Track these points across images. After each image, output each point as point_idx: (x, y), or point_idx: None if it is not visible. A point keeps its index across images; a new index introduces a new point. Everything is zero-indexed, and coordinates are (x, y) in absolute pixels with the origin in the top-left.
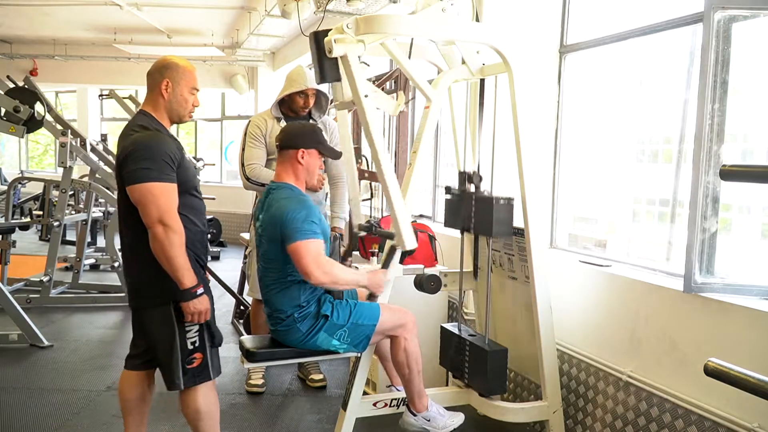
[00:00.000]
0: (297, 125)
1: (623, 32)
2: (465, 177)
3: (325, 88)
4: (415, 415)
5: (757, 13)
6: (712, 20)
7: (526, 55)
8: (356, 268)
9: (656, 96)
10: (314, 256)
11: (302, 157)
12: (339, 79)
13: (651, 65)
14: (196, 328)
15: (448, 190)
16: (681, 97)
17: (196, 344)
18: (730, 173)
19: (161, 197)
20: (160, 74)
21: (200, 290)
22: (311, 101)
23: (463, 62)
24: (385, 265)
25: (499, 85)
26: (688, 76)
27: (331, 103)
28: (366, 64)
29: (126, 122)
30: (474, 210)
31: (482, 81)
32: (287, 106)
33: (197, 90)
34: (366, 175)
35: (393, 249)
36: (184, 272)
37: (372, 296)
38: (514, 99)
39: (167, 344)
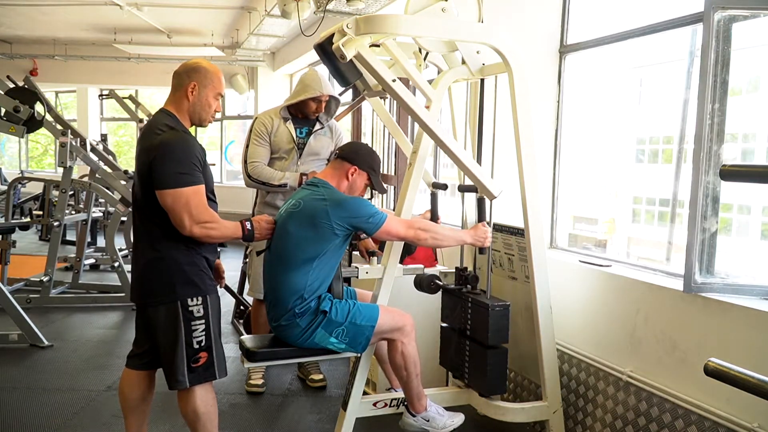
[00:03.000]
0: (364, 145)
1: (623, 32)
2: (462, 276)
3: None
4: (414, 415)
5: (757, 13)
6: (712, 20)
7: (526, 55)
8: (356, 267)
9: (656, 96)
10: (402, 224)
11: (352, 174)
12: (361, 76)
13: (651, 65)
14: (203, 327)
15: (445, 288)
16: (681, 97)
17: (202, 343)
18: (730, 173)
19: (192, 201)
20: (187, 76)
21: (248, 228)
22: (323, 106)
23: (463, 62)
24: (481, 217)
25: (499, 85)
26: (688, 76)
27: (338, 99)
28: (376, 45)
29: (126, 122)
30: (470, 314)
31: (482, 81)
32: (296, 107)
33: (222, 95)
34: None
35: (482, 200)
36: (234, 235)
37: (481, 251)
38: (514, 99)
39: (171, 342)
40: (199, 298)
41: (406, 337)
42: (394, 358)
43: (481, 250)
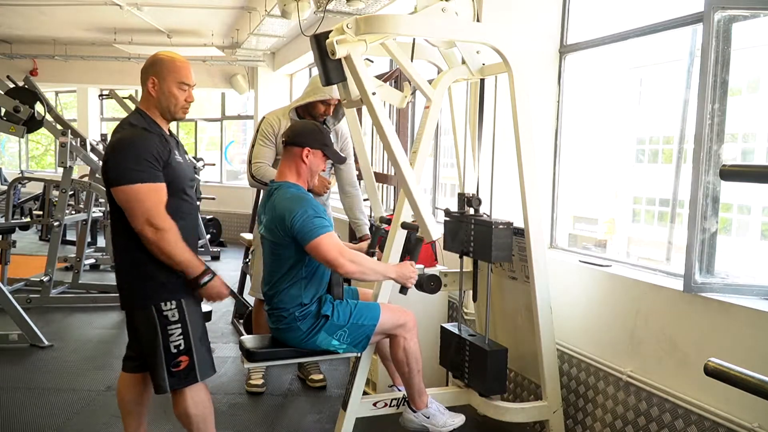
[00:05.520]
0: (304, 124)
1: (623, 32)
2: (464, 200)
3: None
4: (415, 412)
5: (757, 13)
6: (712, 20)
7: (526, 55)
8: None
9: (656, 96)
10: (338, 249)
11: (306, 156)
12: (344, 80)
13: (651, 65)
14: (180, 331)
15: (447, 212)
16: (681, 97)
17: (181, 347)
18: (730, 173)
19: (146, 198)
20: (145, 72)
21: (206, 277)
22: (332, 110)
23: (463, 62)
24: (413, 257)
25: (499, 85)
26: (688, 76)
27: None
28: (370, 60)
29: None
30: (473, 234)
31: (482, 81)
32: (305, 109)
33: (188, 85)
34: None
35: (419, 240)
36: (188, 265)
37: (403, 289)
38: (514, 99)
39: (151, 346)
40: (173, 302)
41: (409, 332)
42: (396, 354)
43: (403, 290)
